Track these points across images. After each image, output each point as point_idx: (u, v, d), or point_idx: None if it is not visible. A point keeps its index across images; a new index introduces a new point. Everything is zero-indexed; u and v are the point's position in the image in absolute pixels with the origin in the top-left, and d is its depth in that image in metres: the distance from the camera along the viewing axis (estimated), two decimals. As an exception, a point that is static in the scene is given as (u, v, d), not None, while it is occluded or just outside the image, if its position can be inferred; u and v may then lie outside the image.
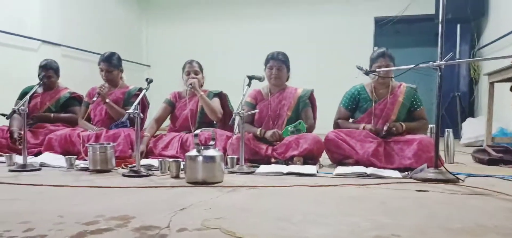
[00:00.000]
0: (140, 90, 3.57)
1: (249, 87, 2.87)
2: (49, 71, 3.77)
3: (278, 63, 3.16)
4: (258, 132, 3.06)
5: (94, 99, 3.32)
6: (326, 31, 7.29)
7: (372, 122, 3.06)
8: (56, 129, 3.49)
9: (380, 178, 2.40)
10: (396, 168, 2.70)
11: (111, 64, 3.54)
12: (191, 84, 3.26)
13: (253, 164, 2.86)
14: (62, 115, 3.79)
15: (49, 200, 1.82)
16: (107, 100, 3.38)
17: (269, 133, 3.01)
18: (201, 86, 3.44)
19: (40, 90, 3.74)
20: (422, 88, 3.16)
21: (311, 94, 3.27)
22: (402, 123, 2.96)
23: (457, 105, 5.90)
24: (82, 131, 3.32)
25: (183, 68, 3.43)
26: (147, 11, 8.19)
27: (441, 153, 2.79)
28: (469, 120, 5.49)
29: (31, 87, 3.67)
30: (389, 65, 2.98)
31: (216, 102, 3.39)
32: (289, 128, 3.02)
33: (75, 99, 3.90)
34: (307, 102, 3.22)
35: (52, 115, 3.71)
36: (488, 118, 4.08)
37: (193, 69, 3.37)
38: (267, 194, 1.94)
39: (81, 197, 1.89)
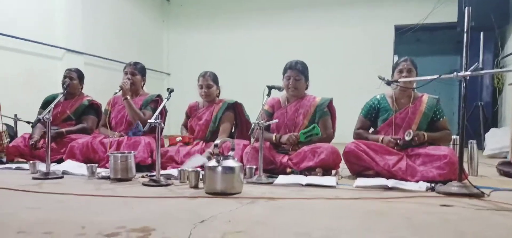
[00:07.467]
0: (159, 96, 3.61)
1: (269, 96, 2.86)
2: (71, 73, 3.83)
3: (296, 73, 3.11)
4: (273, 138, 3.05)
5: (116, 91, 3.33)
6: (346, 39, 7.23)
7: (393, 131, 2.97)
8: (78, 137, 3.54)
9: (402, 191, 2.35)
10: (419, 180, 2.61)
11: (136, 68, 3.60)
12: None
13: (269, 174, 2.83)
14: (74, 128, 3.76)
15: (71, 209, 1.85)
16: (128, 97, 3.39)
17: (285, 137, 2.98)
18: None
19: (62, 99, 3.77)
20: (443, 97, 3.08)
21: (330, 102, 3.21)
22: (425, 133, 2.85)
23: (480, 115, 5.76)
24: (103, 138, 3.36)
25: (198, 80, 3.45)
26: (168, 19, 8.29)
27: (465, 165, 2.71)
28: (492, 130, 5.35)
29: (53, 96, 3.74)
30: (411, 69, 2.92)
31: (225, 126, 3.39)
32: (302, 132, 2.95)
33: (92, 107, 3.91)
34: (326, 111, 3.16)
35: (64, 130, 3.65)
36: (513, 129, 3.96)
37: (206, 83, 3.39)
38: (286, 207, 1.92)
39: (102, 207, 1.91)
